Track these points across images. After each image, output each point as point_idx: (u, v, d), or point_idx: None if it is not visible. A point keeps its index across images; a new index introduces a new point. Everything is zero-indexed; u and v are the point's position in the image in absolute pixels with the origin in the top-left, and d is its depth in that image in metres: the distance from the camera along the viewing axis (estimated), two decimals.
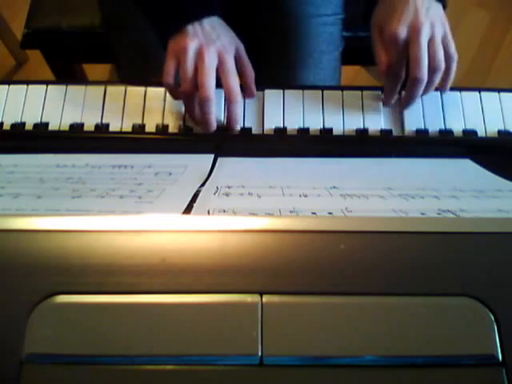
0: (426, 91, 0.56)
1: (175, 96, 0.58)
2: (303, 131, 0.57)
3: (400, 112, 0.59)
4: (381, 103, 0.59)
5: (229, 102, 0.56)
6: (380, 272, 0.26)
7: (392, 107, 0.59)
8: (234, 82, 0.56)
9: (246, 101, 0.59)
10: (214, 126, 0.56)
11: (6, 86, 0.60)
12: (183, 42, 0.55)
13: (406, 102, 0.58)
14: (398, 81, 0.57)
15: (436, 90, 0.58)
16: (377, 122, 0.58)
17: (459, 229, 0.28)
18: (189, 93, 0.55)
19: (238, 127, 0.58)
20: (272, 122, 0.58)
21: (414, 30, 0.54)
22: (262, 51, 0.71)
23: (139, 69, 0.72)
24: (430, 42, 0.55)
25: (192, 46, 0.54)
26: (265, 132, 0.58)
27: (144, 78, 0.66)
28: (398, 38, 0.55)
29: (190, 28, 0.55)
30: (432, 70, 0.55)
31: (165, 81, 0.56)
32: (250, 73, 0.60)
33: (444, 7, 0.58)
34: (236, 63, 0.58)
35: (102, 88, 0.60)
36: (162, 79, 0.57)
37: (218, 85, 0.56)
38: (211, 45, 0.55)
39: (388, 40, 0.56)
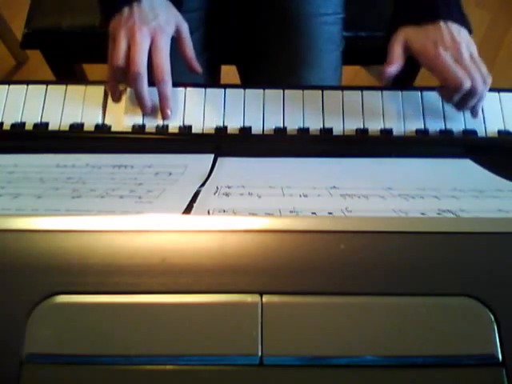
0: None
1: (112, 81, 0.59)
2: (303, 131, 0.57)
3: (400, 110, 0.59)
4: (381, 103, 0.59)
5: (156, 81, 0.56)
6: (380, 272, 0.26)
7: (392, 107, 0.59)
8: (162, 59, 0.56)
9: (246, 100, 0.59)
10: (147, 102, 0.57)
11: (6, 86, 0.60)
12: (117, 24, 0.57)
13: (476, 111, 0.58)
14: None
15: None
16: (377, 122, 0.58)
17: (459, 229, 0.28)
18: (120, 69, 0.56)
19: (169, 112, 0.58)
20: (272, 122, 0.58)
21: (457, 52, 0.55)
22: (262, 51, 0.71)
23: None
24: (471, 59, 0.56)
25: (125, 27, 0.56)
26: (265, 132, 0.57)
27: None
28: (444, 60, 0.55)
29: (125, 9, 0.57)
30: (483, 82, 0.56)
31: (115, 63, 0.57)
32: (189, 51, 0.61)
33: (470, 32, 0.59)
34: (176, 43, 0.59)
35: (102, 88, 0.60)
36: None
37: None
38: (144, 25, 0.56)
39: (430, 63, 0.56)
